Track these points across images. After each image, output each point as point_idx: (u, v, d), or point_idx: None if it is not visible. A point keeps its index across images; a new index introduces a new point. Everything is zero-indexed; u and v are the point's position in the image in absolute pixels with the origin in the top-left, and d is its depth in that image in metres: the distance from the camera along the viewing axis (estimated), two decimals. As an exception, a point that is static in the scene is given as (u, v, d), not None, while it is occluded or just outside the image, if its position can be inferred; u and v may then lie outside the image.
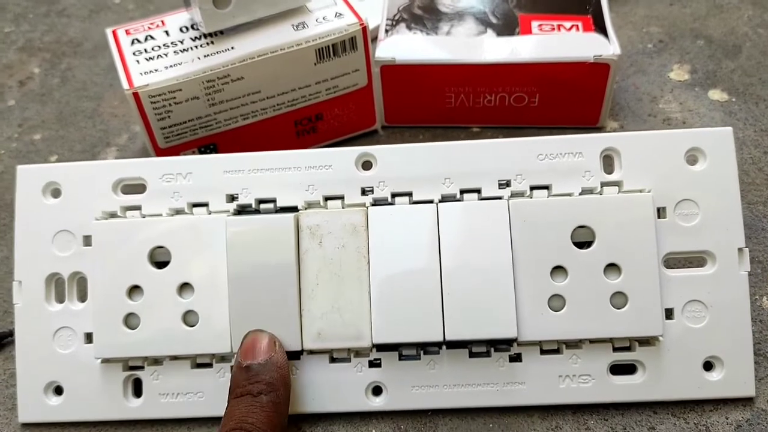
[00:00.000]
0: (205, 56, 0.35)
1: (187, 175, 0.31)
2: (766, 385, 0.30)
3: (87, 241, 0.31)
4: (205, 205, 0.31)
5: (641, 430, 0.29)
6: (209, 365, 0.30)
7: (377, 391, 0.30)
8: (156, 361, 0.31)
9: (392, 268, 0.29)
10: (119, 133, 0.43)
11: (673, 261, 0.31)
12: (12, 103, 0.46)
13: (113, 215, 0.31)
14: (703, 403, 0.30)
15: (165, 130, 0.36)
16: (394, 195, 0.31)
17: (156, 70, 0.35)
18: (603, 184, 0.30)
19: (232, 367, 0.30)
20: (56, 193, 0.32)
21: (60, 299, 0.31)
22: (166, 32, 0.37)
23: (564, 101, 0.39)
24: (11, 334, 0.33)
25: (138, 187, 0.32)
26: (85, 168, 0.32)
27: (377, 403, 0.30)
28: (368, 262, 0.29)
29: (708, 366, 0.29)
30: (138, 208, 0.31)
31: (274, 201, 0.31)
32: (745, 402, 0.30)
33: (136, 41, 0.36)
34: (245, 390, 0.27)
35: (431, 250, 0.29)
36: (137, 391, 0.31)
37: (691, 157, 0.30)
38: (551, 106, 0.39)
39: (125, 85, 0.34)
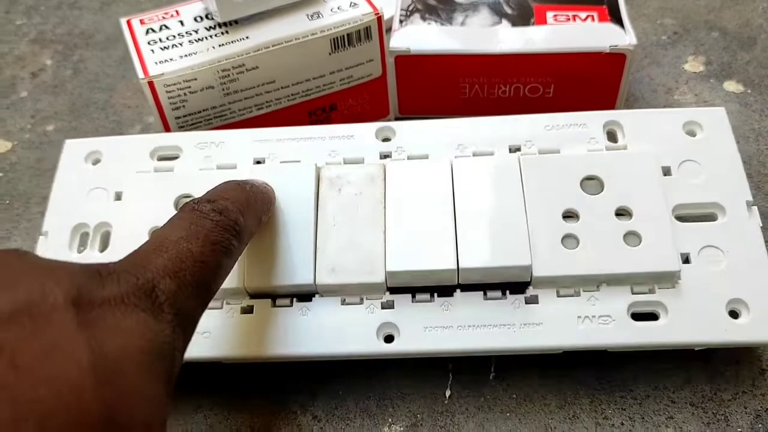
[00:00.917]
0: (219, 45, 0.35)
1: (220, 144, 0.34)
2: (785, 376, 0.30)
3: (118, 196, 0.33)
4: (233, 167, 0.33)
5: (659, 419, 0.29)
6: (218, 307, 0.30)
7: (389, 339, 0.29)
8: None
9: (407, 211, 0.30)
10: (132, 124, 0.43)
11: (683, 218, 0.31)
12: (24, 95, 0.46)
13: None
14: (722, 392, 0.30)
15: (180, 119, 0.36)
16: (410, 158, 0.33)
17: (171, 60, 0.35)
18: (608, 149, 0.32)
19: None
20: (96, 161, 0.34)
21: (82, 249, 0.32)
22: (181, 22, 0.37)
23: (579, 92, 0.39)
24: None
25: (174, 158, 0.34)
26: (126, 140, 0.35)
27: (390, 346, 0.29)
28: (384, 206, 0.30)
29: (733, 314, 0.28)
30: (171, 170, 0.33)
31: (297, 162, 0.33)
32: (764, 392, 0.29)
33: (150, 31, 0.36)
34: (230, 180, 0.28)
35: (446, 197, 0.30)
36: None
37: (690, 131, 0.32)
38: (566, 96, 0.39)
39: (140, 74, 0.34)
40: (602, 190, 0.30)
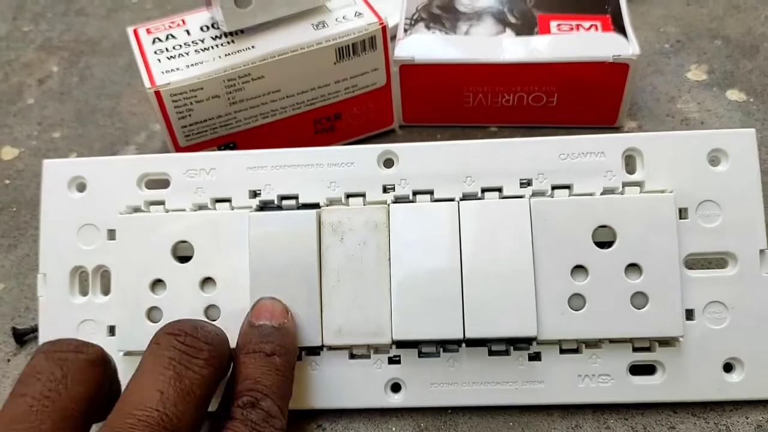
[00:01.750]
0: (225, 55, 0.35)
1: (211, 170, 0.32)
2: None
3: (111, 235, 0.31)
4: (228, 200, 0.32)
5: (661, 429, 0.29)
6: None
7: (396, 388, 0.30)
8: None
9: (413, 265, 0.29)
10: (138, 131, 0.44)
11: (694, 262, 0.31)
12: (31, 102, 0.46)
13: (137, 209, 0.32)
14: (724, 402, 0.30)
15: (186, 128, 0.36)
16: (415, 193, 0.31)
17: (177, 69, 0.35)
18: (624, 185, 0.30)
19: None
20: (81, 188, 0.32)
21: (84, 292, 0.32)
22: (187, 31, 0.37)
23: (582, 101, 0.39)
24: (34, 330, 0.34)
25: (162, 182, 0.32)
26: (110, 163, 0.32)
27: (396, 400, 0.30)
28: (389, 260, 0.30)
29: (728, 368, 0.29)
30: (162, 203, 0.32)
31: (296, 197, 0.31)
32: (766, 403, 0.30)
33: (157, 40, 0.37)
34: (257, 347, 0.27)
35: (452, 248, 0.29)
36: None
37: (714, 159, 0.30)
38: (569, 105, 0.39)
39: (147, 83, 0.34)
40: (614, 240, 0.29)
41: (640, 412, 0.30)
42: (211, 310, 0.30)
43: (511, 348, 0.30)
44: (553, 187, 0.31)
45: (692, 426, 0.29)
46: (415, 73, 0.39)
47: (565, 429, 0.30)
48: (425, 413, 0.30)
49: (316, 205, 0.31)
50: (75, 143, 0.43)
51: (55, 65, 0.49)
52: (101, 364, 0.25)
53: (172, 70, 0.35)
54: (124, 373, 0.30)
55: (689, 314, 0.29)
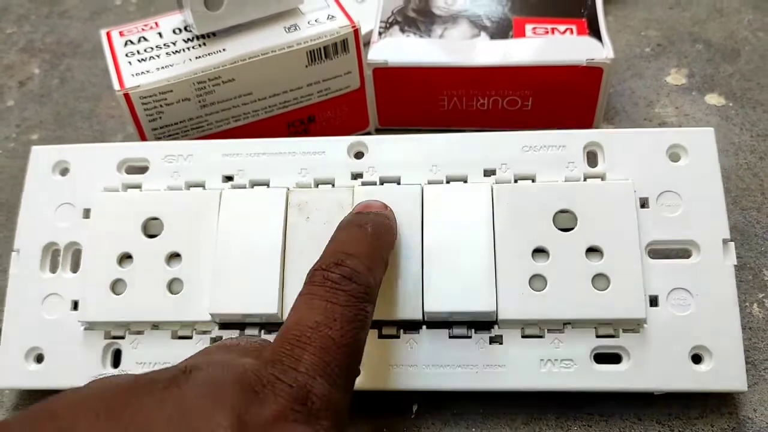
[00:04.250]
0: (196, 58, 0.35)
1: (188, 156, 0.33)
2: (754, 393, 0.30)
3: (86, 213, 0.33)
4: (202, 184, 0.33)
5: (625, 437, 0.29)
6: (189, 337, 0.31)
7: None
8: (138, 331, 0.31)
9: None
10: (115, 133, 0.44)
11: (656, 253, 0.30)
12: (11, 104, 0.46)
13: (115, 191, 0.33)
14: (689, 410, 0.29)
15: (157, 131, 0.36)
16: (383, 181, 0.32)
17: (147, 72, 0.35)
18: (586, 176, 0.31)
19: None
20: (64, 172, 0.34)
21: (54, 269, 0.32)
22: (160, 34, 0.37)
23: (557, 105, 0.39)
24: None
25: (142, 169, 0.33)
26: (93, 149, 0.34)
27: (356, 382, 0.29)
28: None
29: (696, 359, 0.29)
30: (139, 186, 0.33)
31: (267, 183, 0.32)
32: (731, 410, 0.29)
33: (129, 42, 0.37)
34: (350, 222, 0.27)
35: (414, 230, 0.30)
36: (116, 362, 0.31)
37: (674, 155, 0.31)
38: (545, 109, 0.39)
39: (116, 86, 0.34)
40: (575, 225, 0.30)
41: (604, 419, 0.30)
42: (174, 283, 0.31)
43: (473, 331, 0.29)
44: (516, 178, 0.31)
45: (656, 434, 0.29)
46: (389, 76, 0.39)
47: (528, 436, 0.29)
48: (387, 418, 0.30)
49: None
50: (52, 145, 0.43)
51: (37, 67, 0.49)
52: None
53: (142, 72, 0.35)
54: (83, 348, 0.31)
55: (653, 301, 0.29)
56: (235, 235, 0.31)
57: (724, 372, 0.28)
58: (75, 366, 0.31)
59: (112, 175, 0.33)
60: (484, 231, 0.29)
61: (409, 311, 0.29)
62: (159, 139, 0.36)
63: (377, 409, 0.31)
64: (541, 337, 0.29)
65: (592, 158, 0.31)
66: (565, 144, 0.31)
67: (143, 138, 0.36)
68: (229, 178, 0.33)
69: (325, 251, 0.26)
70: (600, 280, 0.29)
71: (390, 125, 0.41)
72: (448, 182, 0.31)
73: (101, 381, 0.22)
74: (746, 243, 0.35)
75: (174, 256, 0.31)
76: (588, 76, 0.37)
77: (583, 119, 0.39)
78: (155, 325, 0.31)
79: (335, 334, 0.22)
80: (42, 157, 0.34)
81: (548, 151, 0.31)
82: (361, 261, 0.25)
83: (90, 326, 0.31)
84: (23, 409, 0.28)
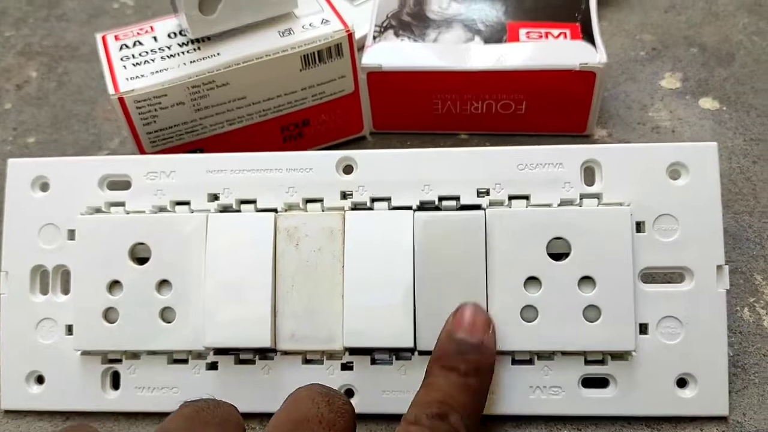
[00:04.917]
0: (191, 62, 0.35)
1: (171, 173, 0.32)
2: (743, 397, 0.30)
3: (71, 235, 0.32)
4: (187, 203, 0.32)
5: (614, 441, 0.29)
6: (185, 361, 0.31)
7: (349, 393, 0.30)
8: (134, 355, 0.31)
9: (366, 273, 0.29)
10: (111, 137, 0.44)
11: (650, 276, 0.31)
12: (8, 107, 0.46)
13: (98, 210, 0.32)
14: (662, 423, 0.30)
15: (151, 134, 0.36)
16: (373, 200, 0.31)
17: (142, 76, 0.35)
18: (582, 196, 0.30)
19: (440, 333, 0.28)
20: (44, 187, 0.33)
21: (44, 291, 0.32)
22: (155, 38, 0.37)
23: (551, 109, 0.39)
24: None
25: (124, 184, 0.33)
26: (72, 163, 0.33)
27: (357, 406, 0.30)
28: (343, 267, 0.30)
29: (681, 383, 0.29)
30: (122, 204, 0.32)
31: (254, 202, 0.32)
32: (704, 425, 0.29)
33: (124, 47, 0.37)
34: (453, 364, 0.27)
35: (405, 257, 0.29)
36: (115, 383, 0.31)
37: (674, 172, 0.30)
38: (538, 113, 0.39)
39: (111, 90, 0.35)
40: (569, 252, 0.29)
41: (593, 423, 0.30)
42: (166, 312, 0.31)
43: None
44: (511, 197, 0.30)
45: (644, 439, 0.29)
46: (383, 80, 0.39)
47: (518, 439, 0.29)
48: (379, 421, 0.30)
49: (273, 211, 0.31)
50: (49, 148, 0.43)
51: (34, 71, 0.49)
52: None
53: (136, 76, 0.35)
54: (81, 372, 0.31)
55: (643, 328, 0.29)
56: (224, 263, 0.30)
57: (708, 398, 0.29)
58: (75, 389, 0.31)
59: (94, 191, 0.32)
60: (477, 260, 0.29)
61: (400, 340, 0.29)
62: (153, 142, 0.36)
63: (367, 417, 0.31)
64: (531, 363, 0.29)
65: (589, 174, 0.31)
66: (562, 161, 0.30)
67: (138, 143, 0.36)
68: (215, 197, 0.32)
69: (431, 393, 0.26)
70: (591, 311, 0.29)
71: (385, 129, 0.42)
72: (440, 201, 0.31)
73: None
74: (738, 247, 0.35)
75: (164, 282, 0.31)
76: (581, 80, 0.37)
77: (577, 123, 0.39)
78: (151, 351, 0.31)
79: None
80: (20, 170, 0.33)
81: (544, 169, 0.30)
82: (462, 419, 0.25)
83: (86, 352, 0.31)
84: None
